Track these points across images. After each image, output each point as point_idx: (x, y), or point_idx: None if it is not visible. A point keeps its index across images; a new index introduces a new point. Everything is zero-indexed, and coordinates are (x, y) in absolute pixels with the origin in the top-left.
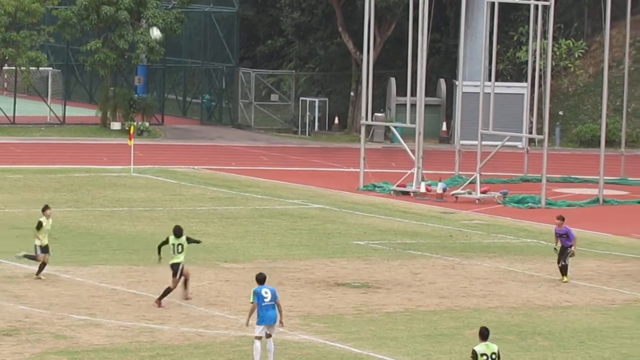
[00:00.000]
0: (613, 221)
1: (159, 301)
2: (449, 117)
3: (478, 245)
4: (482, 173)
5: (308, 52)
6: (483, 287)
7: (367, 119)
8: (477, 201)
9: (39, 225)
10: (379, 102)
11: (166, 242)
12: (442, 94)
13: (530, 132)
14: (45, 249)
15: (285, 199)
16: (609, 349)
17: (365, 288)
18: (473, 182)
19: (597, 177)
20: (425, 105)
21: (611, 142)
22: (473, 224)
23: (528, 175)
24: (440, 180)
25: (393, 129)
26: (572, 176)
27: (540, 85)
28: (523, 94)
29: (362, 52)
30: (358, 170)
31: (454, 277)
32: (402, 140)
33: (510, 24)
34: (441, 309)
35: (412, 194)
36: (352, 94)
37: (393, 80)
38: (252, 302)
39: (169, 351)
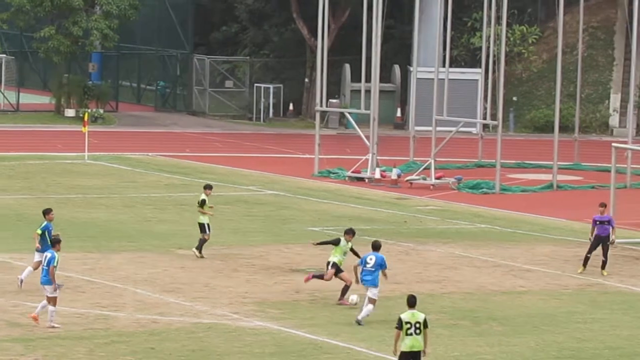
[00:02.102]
0: (567, 206)
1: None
2: (404, 103)
3: (432, 230)
4: (437, 159)
5: (262, 38)
6: (438, 272)
7: (321, 105)
8: (431, 187)
9: (202, 203)
10: (334, 89)
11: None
12: (396, 80)
13: (485, 118)
14: (209, 227)
15: (240, 186)
16: (562, 334)
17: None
18: (427, 168)
19: (551, 163)
20: (380, 92)
21: (565, 128)
22: (427, 209)
23: (482, 160)
24: (394, 166)
25: (347, 115)
26: (526, 162)
27: (494, 71)
28: (477, 80)
29: (316, 39)
30: (313, 156)
31: (409, 262)
32: (356, 127)
33: (464, 10)
34: (396, 295)
35: (366, 180)
36: (306, 80)
37: (347, 66)
38: (357, 265)
39: (124, 338)
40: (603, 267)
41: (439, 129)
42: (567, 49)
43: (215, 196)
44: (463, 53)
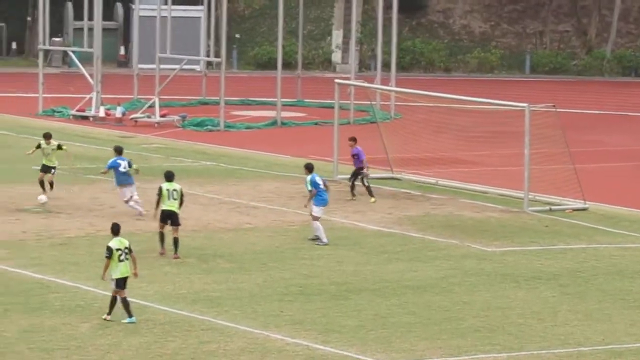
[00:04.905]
0: (291, 143)
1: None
2: (127, 41)
3: (158, 168)
4: (161, 97)
5: None
6: None
7: (44, 44)
8: (156, 125)
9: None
10: (57, 27)
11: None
12: (119, 17)
13: (208, 56)
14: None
15: None
16: (289, 270)
17: (46, 213)
18: (152, 106)
19: (275, 99)
20: (103, 30)
21: (288, 64)
22: (153, 147)
23: (206, 98)
24: (119, 105)
25: (71, 54)
26: (250, 98)
27: (216, 8)
28: (200, 18)
29: None
30: (37, 95)
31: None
32: (80, 65)
33: None
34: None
35: (91, 119)
36: (29, 18)
37: (70, 4)
38: (310, 190)
39: None
40: (370, 194)
41: (162, 66)
42: None
43: None
44: None
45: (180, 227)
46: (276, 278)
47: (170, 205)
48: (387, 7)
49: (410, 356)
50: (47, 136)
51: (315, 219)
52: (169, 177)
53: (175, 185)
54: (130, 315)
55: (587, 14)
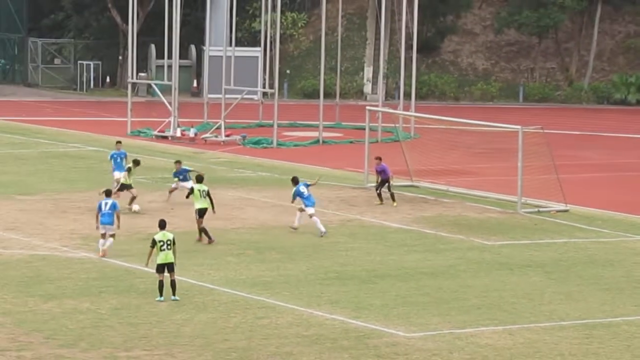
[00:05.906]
0: (330, 157)
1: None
2: (199, 76)
3: (223, 178)
4: (226, 120)
5: (84, 24)
6: (228, 211)
7: (132, 78)
8: (222, 143)
9: (128, 169)
10: (142, 64)
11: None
12: (192, 57)
13: (264, 87)
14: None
15: (67, 143)
16: (328, 260)
17: (133, 214)
18: (219, 128)
19: (317, 122)
20: (180, 66)
21: (328, 94)
22: (219, 161)
23: (263, 121)
24: (192, 127)
25: (154, 86)
26: (298, 122)
27: (271, 50)
28: (257, 57)
29: (127, 24)
30: (126, 119)
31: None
32: (161, 95)
33: (247, 0)
34: (190, 230)
35: (170, 138)
36: (120, 57)
37: (153, 46)
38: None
39: None
40: (393, 199)
41: (227, 96)
42: (329, 31)
43: (46, 151)
44: (246, 35)
45: (241, 226)
46: (317, 266)
47: (203, 203)
48: (408, 48)
49: (425, 329)
50: (137, 163)
51: (301, 210)
52: (200, 179)
53: (204, 186)
54: (174, 294)
55: (569, 54)
